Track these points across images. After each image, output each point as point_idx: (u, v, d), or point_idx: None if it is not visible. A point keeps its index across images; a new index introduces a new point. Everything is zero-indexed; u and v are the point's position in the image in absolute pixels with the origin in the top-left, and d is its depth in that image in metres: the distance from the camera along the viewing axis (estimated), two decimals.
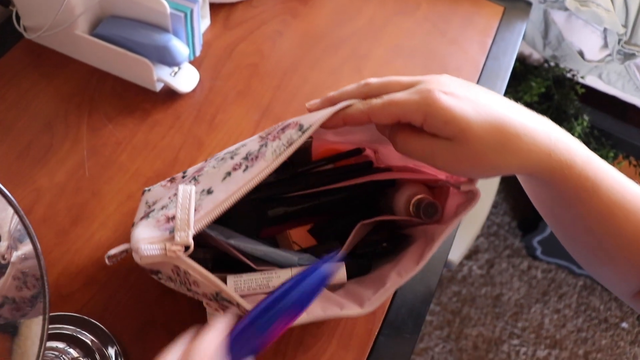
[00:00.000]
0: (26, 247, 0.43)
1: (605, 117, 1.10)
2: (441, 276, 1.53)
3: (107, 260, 0.47)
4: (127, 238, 0.62)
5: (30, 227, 0.39)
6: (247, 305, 0.44)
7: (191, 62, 0.75)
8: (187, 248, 0.42)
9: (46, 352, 0.53)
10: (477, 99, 0.43)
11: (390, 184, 0.60)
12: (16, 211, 0.38)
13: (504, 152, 0.42)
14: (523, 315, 1.49)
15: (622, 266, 0.49)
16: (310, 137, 0.57)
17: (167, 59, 0.69)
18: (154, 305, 0.59)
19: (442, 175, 0.56)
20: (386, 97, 0.44)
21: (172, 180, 0.58)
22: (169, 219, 0.45)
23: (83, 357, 0.55)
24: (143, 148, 0.69)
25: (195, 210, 0.44)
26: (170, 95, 0.73)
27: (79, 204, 0.64)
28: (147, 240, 0.42)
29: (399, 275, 0.49)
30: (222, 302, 0.46)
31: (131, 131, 0.70)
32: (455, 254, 1.07)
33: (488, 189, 1.17)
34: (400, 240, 0.56)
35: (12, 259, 0.43)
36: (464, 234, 1.09)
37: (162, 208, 0.49)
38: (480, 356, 1.43)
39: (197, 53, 0.75)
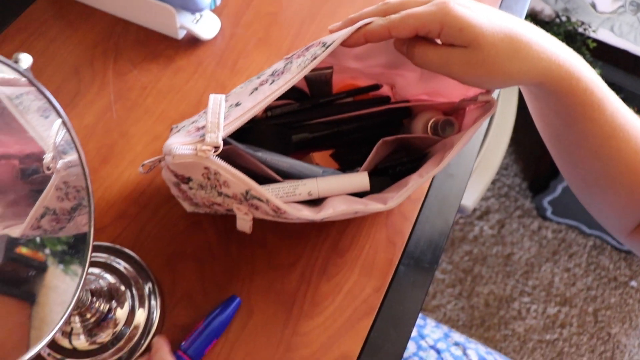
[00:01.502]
0: (70, 158, 0.46)
1: (616, 71, 1.11)
2: (452, 236, 1.55)
3: (140, 169, 0.49)
4: (154, 176, 0.65)
5: (72, 130, 0.42)
6: (277, 200, 0.47)
7: (212, 11, 0.77)
8: (216, 149, 0.44)
9: None
10: (491, 13, 0.46)
11: (407, 115, 0.62)
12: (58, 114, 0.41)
13: (516, 59, 0.45)
14: (533, 274, 1.52)
15: (622, 194, 0.51)
16: (331, 67, 0.59)
17: (189, 4, 0.71)
18: (183, 236, 0.62)
19: (456, 98, 0.58)
20: (404, 12, 0.46)
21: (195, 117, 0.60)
22: (199, 129, 0.48)
23: (119, 284, 0.58)
24: (168, 92, 0.71)
25: (225, 119, 0.47)
26: (192, 42, 0.75)
27: (107, 145, 0.67)
28: (179, 143, 0.45)
29: (420, 176, 0.52)
30: (252, 201, 0.48)
31: (156, 76, 0.72)
32: (469, 200, 1.09)
33: (501, 136, 1.19)
34: (420, 157, 0.58)
35: (57, 166, 0.46)
36: (477, 180, 1.11)
37: (192, 123, 0.52)
38: (491, 313, 1.45)
39: (218, 2, 0.77)
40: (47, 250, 0.47)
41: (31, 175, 0.47)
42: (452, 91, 0.59)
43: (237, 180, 0.46)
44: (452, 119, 0.58)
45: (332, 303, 0.60)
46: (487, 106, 0.54)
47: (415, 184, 0.53)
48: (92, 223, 0.43)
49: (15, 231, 0.45)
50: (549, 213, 1.56)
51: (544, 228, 1.58)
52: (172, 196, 0.63)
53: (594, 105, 0.47)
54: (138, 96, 0.70)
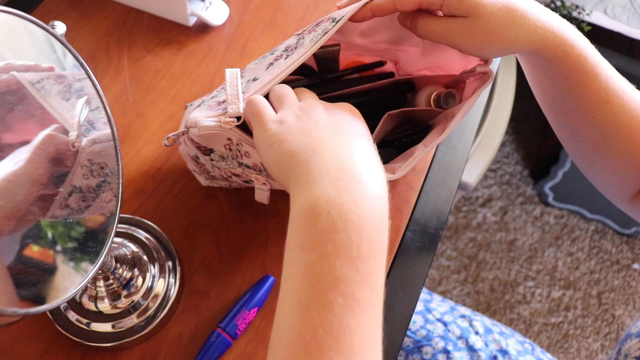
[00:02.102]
0: (92, 136, 0.48)
1: (611, 54, 1.14)
2: (456, 224, 1.58)
3: (165, 141, 0.52)
4: (170, 153, 0.68)
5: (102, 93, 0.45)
6: None
7: None
8: (238, 119, 0.47)
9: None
10: None
11: (410, 89, 0.65)
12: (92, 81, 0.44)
13: (513, 27, 0.48)
14: (537, 259, 1.54)
15: (620, 159, 0.54)
16: (339, 45, 0.62)
17: None
18: (199, 208, 0.65)
19: (457, 71, 0.61)
20: None
21: (211, 92, 0.63)
22: (220, 103, 0.51)
23: (142, 254, 0.60)
24: (180, 75, 0.74)
25: (243, 93, 0.50)
26: (202, 28, 0.78)
27: (125, 125, 0.70)
28: (203, 116, 0.48)
29: (425, 146, 0.55)
30: None
31: (168, 61, 0.75)
32: (472, 177, 1.12)
33: (500, 116, 1.23)
34: (424, 129, 0.61)
35: (82, 144, 0.49)
36: (479, 159, 1.14)
37: (211, 98, 0.55)
38: (497, 298, 1.48)
39: None
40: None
41: None
42: (452, 64, 0.62)
43: None
44: (453, 91, 0.61)
45: None
46: (485, 77, 0.57)
47: (421, 153, 0.56)
48: (121, 181, 0.46)
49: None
50: (550, 199, 1.59)
51: (546, 214, 1.60)
52: (187, 171, 0.66)
53: (588, 71, 0.50)
54: (152, 79, 0.73)
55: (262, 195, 0.56)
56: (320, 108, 0.45)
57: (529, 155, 1.68)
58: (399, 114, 0.61)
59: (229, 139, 0.50)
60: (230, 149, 0.51)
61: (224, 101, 0.50)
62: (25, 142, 0.49)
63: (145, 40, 0.77)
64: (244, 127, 0.50)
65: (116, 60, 0.75)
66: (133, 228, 0.62)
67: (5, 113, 0.45)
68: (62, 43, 0.42)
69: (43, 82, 0.49)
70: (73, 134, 0.49)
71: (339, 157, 0.39)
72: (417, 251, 0.65)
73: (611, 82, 0.51)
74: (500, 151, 1.68)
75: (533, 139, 1.69)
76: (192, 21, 0.78)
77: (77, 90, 0.52)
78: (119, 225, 0.62)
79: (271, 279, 0.61)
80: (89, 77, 0.44)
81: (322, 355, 0.33)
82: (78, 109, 0.50)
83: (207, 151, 0.54)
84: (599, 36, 1.12)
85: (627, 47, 1.13)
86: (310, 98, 0.47)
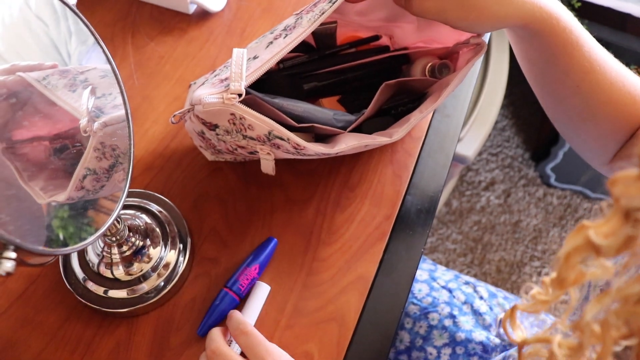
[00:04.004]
0: (102, 119, 0.51)
1: (603, 29, 1.16)
2: (460, 207, 1.60)
3: (172, 119, 0.54)
4: (177, 131, 0.71)
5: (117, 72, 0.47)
6: (297, 139, 0.52)
7: None
8: (240, 96, 0.50)
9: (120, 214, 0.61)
10: None
11: (406, 61, 0.68)
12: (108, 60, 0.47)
13: (503, 3, 0.51)
14: (542, 239, 1.56)
15: (604, 124, 0.57)
16: (336, 22, 0.65)
17: None
18: (206, 181, 0.68)
19: (450, 44, 0.64)
20: None
21: (213, 71, 0.66)
22: (222, 80, 0.53)
23: (155, 226, 0.63)
24: (183, 59, 0.77)
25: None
26: (202, 15, 0.81)
27: (132, 108, 0.72)
28: (207, 94, 0.51)
29: (420, 112, 0.57)
30: (274, 141, 0.54)
31: (171, 46, 0.78)
32: (470, 150, 1.15)
33: (495, 91, 1.25)
34: (419, 98, 0.64)
35: (94, 128, 0.52)
36: (476, 132, 1.17)
37: (215, 76, 0.58)
38: (504, 279, 1.50)
39: None
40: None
41: (63, 152, 0.52)
42: (446, 37, 0.65)
43: (261, 122, 0.52)
44: (447, 62, 0.63)
45: (347, 231, 0.65)
46: (477, 48, 0.60)
47: (416, 119, 0.59)
48: (132, 142, 0.49)
49: (61, 197, 0.50)
50: (552, 180, 1.61)
51: (549, 195, 1.62)
52: (194, 148, 0.69)
53: (572, 42, 0.53)
54: (156, 64, 0.76)
55: (267, 165, 0.59)
56: None
57: (529, 138, 1.70)
58: (396, 84, 0.64)
59: (232, 114, 0.52)
60: (234, 123, 0.54)
61: (226, 78, 0.52)
62: (38, 137, 0.52)
63: (148, 28, 0.80)
64: (244, 103, 0.52)
65: (121, 48, 0.78)
66: (145, 202, 0.65)
67: (17, 111, 0.48)
68: (74, 12, 0.45)
69: (49, 79, 0.52)
70: (84, 121, 0.51)
71: None
72: (417, 213, 0.67)
73: (593, 52, 0.54)
74: (500, 135, 1.71)
75: (532, 122, 1.72)
76: (192, 9, 0.81)
77: (81, 82, 0.54)
78: (132, 199, 0.65)
79: (274, 240, 0.63)
80: (97, 40, 0.47)
81: None
82: (85, 97, 0.52)
83: (213, 127, 0.56)
84: (590, 11, 1.15)
85: (620, 21, 1.16)
86: None
